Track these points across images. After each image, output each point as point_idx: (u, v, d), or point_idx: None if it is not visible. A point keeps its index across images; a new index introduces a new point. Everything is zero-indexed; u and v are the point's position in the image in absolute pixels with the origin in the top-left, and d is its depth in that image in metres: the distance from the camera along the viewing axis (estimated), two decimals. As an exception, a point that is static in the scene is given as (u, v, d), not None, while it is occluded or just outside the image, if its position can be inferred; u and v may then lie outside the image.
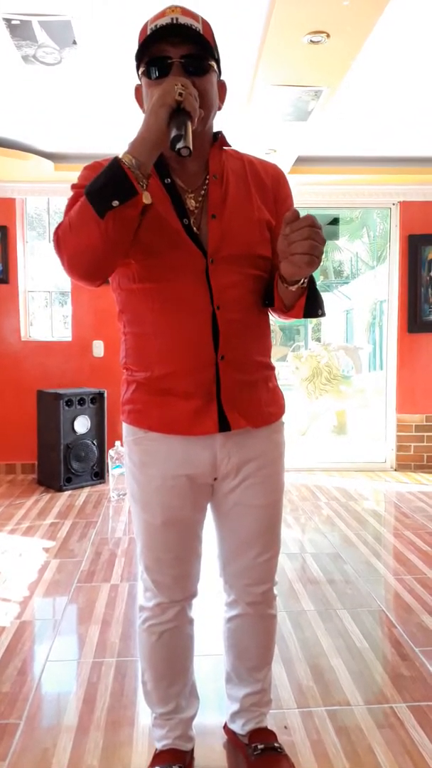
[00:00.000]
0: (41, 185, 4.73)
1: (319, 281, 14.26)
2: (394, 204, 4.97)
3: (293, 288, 1.26)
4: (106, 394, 4.55)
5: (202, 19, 1.25)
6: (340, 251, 14.46)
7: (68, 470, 4.37)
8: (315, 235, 1.14)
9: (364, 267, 14.21)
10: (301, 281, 1.25)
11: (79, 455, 4.42)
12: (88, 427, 4.47)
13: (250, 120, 3.41)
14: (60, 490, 4.34)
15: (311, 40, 2.47)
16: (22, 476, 4.82)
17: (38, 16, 2.51)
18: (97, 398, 4.52)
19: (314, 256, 1.15)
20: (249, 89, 3.14)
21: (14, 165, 4.25)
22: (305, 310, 1.31)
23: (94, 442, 4.50)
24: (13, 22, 2.54)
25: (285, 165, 4.24)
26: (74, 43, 2.73)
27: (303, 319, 1.46)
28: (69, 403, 4.36)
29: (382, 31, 2.63)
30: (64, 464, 4.35)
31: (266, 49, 2.58)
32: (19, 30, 2.60)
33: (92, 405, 4.50)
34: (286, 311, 1.33)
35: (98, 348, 4.87)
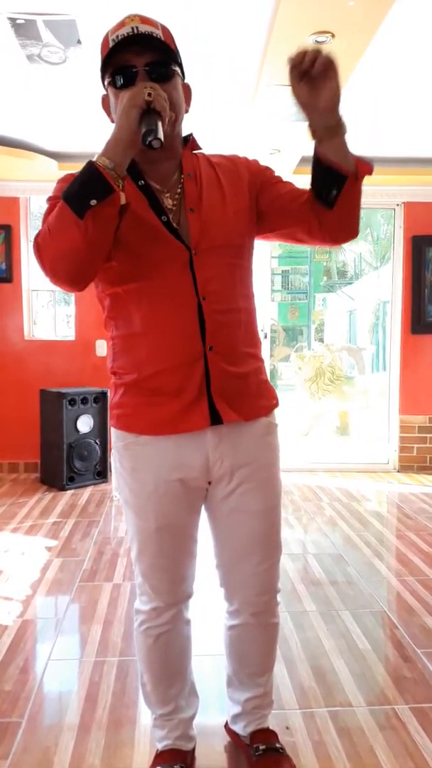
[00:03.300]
0: (45, 184, 4.72)
1: (323, 281, 14.26)
2: (398, 205, 4.96)
3: (335, 141, 1.26)
4: (109, 394, 4.55)
5: (161, 25, 1.26)
6: (343, 252, 14.44)
7: (71, 469, 4.38)
8: (331, 62, 1.21)
9: (367, 268, 14.19)
10: (340, 126, 1.26)
11: (82, 454, 4.43)
12: (91, 426, 4.47)
13: (255, 120, 3.40)
14: (63, 489, 4.34)
15: (316, 41, 2.47)
16: (25, 475, 4.83)
17: (43, 16, 2.52)
18: (100, 397, 4.53)
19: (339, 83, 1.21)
20: (253, 89, 3.14)
21: (18, 164, 4.26)
22: (359, 165, 1.32)
23: (97, 441, 4.51)
24: (18, 21, 2.54)
25: (289, 165, 4.23)
26: (79, 42, 2.73)
27: (345, 238, 1.42)
28: (72, 402, 4.36)
29: (388, 31, 2.62)
30: (66, 463, 4.35)
31: (271, 48, 2.58)
32: (24, 29, 2.61)
33: (95, 404, 4.50)
34: (339, 179, 1.30)
35: (101, 347, 4.87)
